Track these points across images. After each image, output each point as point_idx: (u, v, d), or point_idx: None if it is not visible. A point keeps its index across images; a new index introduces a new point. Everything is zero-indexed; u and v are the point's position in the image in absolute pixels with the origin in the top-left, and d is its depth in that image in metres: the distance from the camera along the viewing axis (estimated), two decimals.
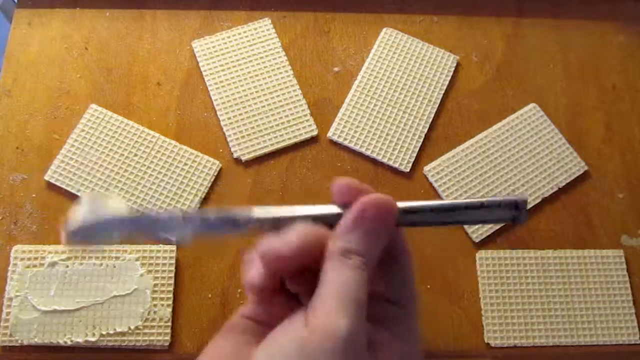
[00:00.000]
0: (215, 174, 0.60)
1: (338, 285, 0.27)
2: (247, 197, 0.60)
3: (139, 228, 0.34)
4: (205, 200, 0.59)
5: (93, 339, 0.53)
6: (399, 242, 0.31)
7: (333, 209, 0.31)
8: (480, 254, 0.58)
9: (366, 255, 0.28)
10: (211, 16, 0.67)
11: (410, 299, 0.30)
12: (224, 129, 0.61)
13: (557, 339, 0.56)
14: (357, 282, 0.27)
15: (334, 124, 0.63)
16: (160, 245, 0.56)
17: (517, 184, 0.61)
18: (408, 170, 0.61)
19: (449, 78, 0.65)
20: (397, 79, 0.65)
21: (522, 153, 0.62)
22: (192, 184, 0.59)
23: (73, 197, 0.58)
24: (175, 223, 0.33)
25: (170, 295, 0.55)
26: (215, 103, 0.62)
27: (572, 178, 0.62)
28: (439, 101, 0.64)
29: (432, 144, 0.63)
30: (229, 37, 0.65)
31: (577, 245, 0.60)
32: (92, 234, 0.33)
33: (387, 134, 0.62)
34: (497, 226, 0.59)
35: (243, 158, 0.61)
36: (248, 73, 0.64)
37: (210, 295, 0.56)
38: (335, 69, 0.66)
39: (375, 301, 0.29)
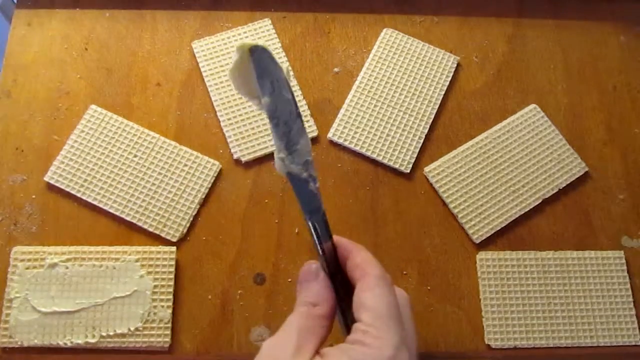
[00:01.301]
0: (215, 174, 0.59)
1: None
2: (247, 198, 0.60)
3: (279, 113, 0.35)
4: (205, 201, 0.59)
5: (93, 341, 0.53)
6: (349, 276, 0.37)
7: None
8: (481, 255, 0.58)
9: None
10: (211, 17, 0.67)
11: (361, 312, 0.34)
12: (224, 129, 0.61)
13: (557, 340, 0.56)
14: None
15: (334, 125, 0.63)
16: (160, 246, 0.56)
17: (518, 185, 0.61)
18: (408, 171, 0.61)
19: (449, 79, 0.65)
20: (398, 79, 0.65)
21: (522, 154, 0.62)
22: (192, 185, 0.59)
23: (73, 198, 0.58)
24: (296, 151, 0.36)
25: (170, 296, 0.55)
26: (215, 104, 0.62)
27: (573, 179, 0.62)
28: (439, 102, 0.64)
29: (432, 144, 0.63)
30: (228, 38, 0.65)
31: (577, 247, 0.60)
32: (264, 70, 0.36)
33: (388, 135, 0.62)
34: (498, 227, 0.59)
35: (243, 159, 0.61)
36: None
37: (210, 297, 0.56)
38: (336, 69, 0.66)
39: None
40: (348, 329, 0.35)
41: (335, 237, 0.38)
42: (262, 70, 0.36)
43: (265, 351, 0.34)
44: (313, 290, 0.36)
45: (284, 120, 0.36)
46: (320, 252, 0.37)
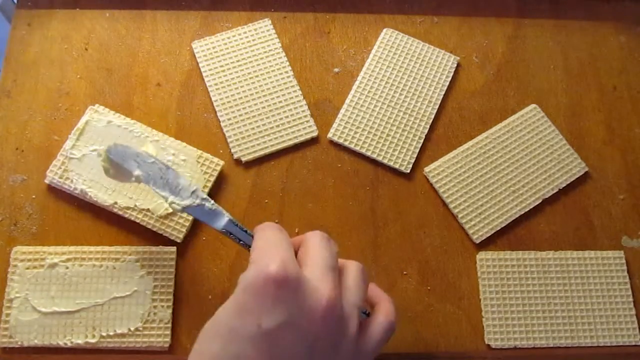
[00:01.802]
0: (216, 173, 0.59)
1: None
2: (247, 198, 0.60)
3: (152, 176, 0.46)
4: None
5: (93, 341, 0.53)
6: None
7: None
8: (481, 255, 0.58)
9: None
10: (211, 17, 0.67)
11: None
12: (224, 129, 0.61)
13: (557, 340, 0.56)
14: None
15: (334, 125, 0.63)
16: (160, 246, 0.56)
17: (518, 185, 0.61)
18: (408, 171, 0.61)
19: (449, 79, 0.65)
20: (398, 79, 0.65)
21: (522, 154, 0.62)
22: (194, 182, 0.58)
23: (73, 198, 0.58)
24: (181, 190, 0.46)
25: (171, 296, 0.55)
26: (215, 104, 0.62)
27: (573, 179, 0.62)
28: (439, 102, 0.64)
29: (432, 144, 0.63)
30: (228, 38, 0.65)
31: (577, 247, 0.60)
32: (123, 157, 0.47)
33: (388, 135, 0.62)
34: (498, 227, 0.59)
35: (243, 159, 0.61)
36: (248, 74, 0.64)
37: (210, 297, 0.56)
38: (336, 69, 0.66)
39: None
40: None
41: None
42: (122, 158, 0.47)
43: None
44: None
45: (157, 177, 0.46)
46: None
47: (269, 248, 0.38)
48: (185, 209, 0.46)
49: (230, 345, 0.35)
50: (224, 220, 0.45)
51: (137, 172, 0.46)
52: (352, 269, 0.41)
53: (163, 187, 0.46)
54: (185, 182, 0.46)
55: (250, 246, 0.42)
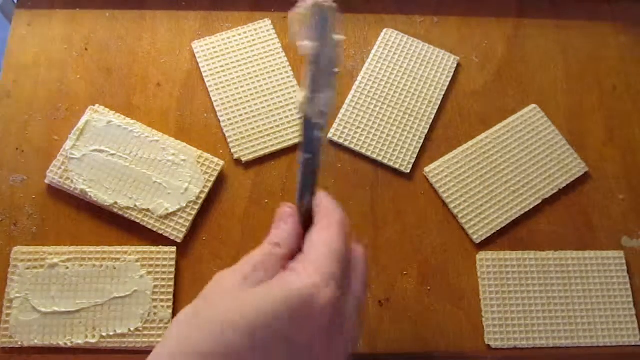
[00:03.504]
0: (216, 173, 0.59)
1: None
2: (247, 198, 0.60)
3: (321, 70, 0.38)
4: (205, 201, 0.59)
5: (93, 341, 0.53)
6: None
7: None
8: (481, 255, 0.58)
9: None
10: (211, 17, 0.67)
11: (306, 245, 0.36)
12: (224, 129, 0.61)
13: (557, 341, 0.56)
14: None
15: (334, 125, 0.63)
16: (160, 246, 0.56)
17: (518, 185, 0.61)
18: (408, 171, 0.61)
19: (449, 79, 0.65)
20: (398, 79, 0.65)
21: (522, 154, 0.62)
22: (194, 182, 0.58)
23: (73, 198, 0.58)
24: (322, 102, 0.38)
25: (171, 296, 0.55)
26: (215, 104, 0.62)
27: (573, 179, 0.62)
28: (439, 102, 0.64)
29: (432, 145, 0.63)
30: (228, 38, 0.65)
31: (577, 247, 0.60)
32: (323, 25, 0.38)
33: (388, 135, 0.62)
34: (498, 227, 0.59)
35: (243, 159, 0.61)
36: (248, 74, 0.64)
37: None
38: (336, 69, 0.66)
39: None
40: None
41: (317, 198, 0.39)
42: (322, 19, 0.39)
43: (216, 278, 0.35)
44: (279, 231, 0.38)
45: (322, 64, 0.38)
46: (299, 201, 0.39)
47: (328, 262, 0.34)
48: (304, 115, 0.39)
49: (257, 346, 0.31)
50: (315, 155, 0.39)
51: (315, 45, 0.38)
52: (360, 269, 0.38)
53: (313, 78, 0.38)
54: (328, 97, 0.39)
55: (302, 193, 0.39)
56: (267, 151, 0.61)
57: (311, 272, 0.33)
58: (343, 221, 0.37)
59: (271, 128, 0.62)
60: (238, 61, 0.64)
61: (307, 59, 0.39)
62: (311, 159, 0.39)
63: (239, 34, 0.66)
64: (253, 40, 0.65)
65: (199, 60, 0.64)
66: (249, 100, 0.62)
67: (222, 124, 0.61)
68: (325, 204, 0.38)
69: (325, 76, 0.39)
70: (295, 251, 0.37)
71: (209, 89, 0.63)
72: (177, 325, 0.33)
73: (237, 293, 0.33)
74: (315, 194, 0.39)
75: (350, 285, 0.36)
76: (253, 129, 0.61)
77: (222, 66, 0.64)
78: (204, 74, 0.64)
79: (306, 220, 0.39)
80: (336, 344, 0.34)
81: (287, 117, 0.62)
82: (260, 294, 0.33)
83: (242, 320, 0.31)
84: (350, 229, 0.37)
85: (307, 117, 0.39)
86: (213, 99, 0.63)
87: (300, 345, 0.32)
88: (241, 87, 0.63)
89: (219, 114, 0.62)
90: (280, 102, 0.63)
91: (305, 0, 0.38)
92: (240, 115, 0.62)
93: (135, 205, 0.57)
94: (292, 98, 0.63)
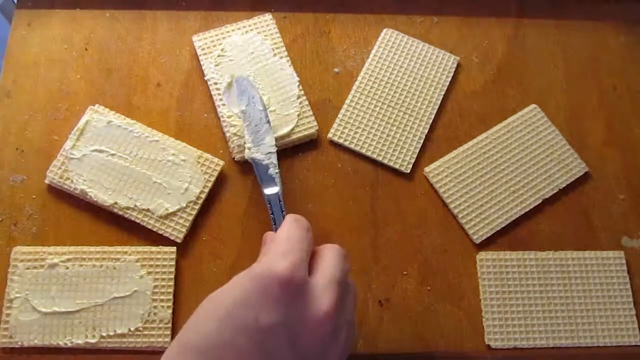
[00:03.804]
0: (216, 173, 0.59)
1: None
2: (247, 198, 0.60)
3: (252, 120, 0.55)
4: (205, 201, 0.59)
5: (93, 341, 0.53)
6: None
7: None
8: (481, 255, 0.58)
9: None
10: (211, 17, 0.67)
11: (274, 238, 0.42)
12: (224, 129, 0.61)
13: (557, 341, 0.56)
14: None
15: (334, 125, 0.63)
16: (161, 246, 0.56)
17: (518, 185, 0.61)
18: (408, 171, 0.61)
19: (449, 79, 0.65)
20: (398, 79, 0.65)
21: (522, 154, 0.62)
22: (195, 182, 0.58)
23: (73, 198, 0.58)
24: (261, 146, 0.54)
25: (171, 296, 0.55)
26: (215, 104, 0.62)
27: (573, 179, 0.62)
28: (439, 102, 0.64)
29: (432, 145, 0.63)
30: (228, 32, 0.65)
31: (577, 247, 0.60)
32: (243, 90, 0.56)
33: (388, 135, 0.62)
34: (498, 227, 0.59)
35: (243, 159, 0.60)
36: (248, 75, 0.63)
37: None
38: (336, 69, 0.66)
39: None
40: None
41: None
42: (242, 90, 0.56)
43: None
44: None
45: (254, 123, 0.53)
46: (274, 230, 0.48)
47: (287, 245, 0.40)
48: (253, 160, 0.52)
49: (225, 331, 0.36)
50: (274, 190, 0.50)
51: (243, 108, 0.55)
52: (353, 289, 0.43)
53: (251, 133, 0.53)
54: (270, 140, 0.53)
55: (276, 222, 0.48)
56: None
57: (268, 256, 0.39)
58: (296, 217, 0.43)
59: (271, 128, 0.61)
60: (238, 55, 0.64)
61: (241, 119, 0.54)
62: (274, 194, 0.50)
63: (239, 28, 0.65)
64: (254, 34, 0.65)
65: (199, 54, 0.64)
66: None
67: (222, 124, 0.61)
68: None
69: (261, 127, 0.52)
70: None
71: (209, 86, 0.63)
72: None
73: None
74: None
75: (318, 267, 0.41)
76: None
77: (222, 61, 0.63)
78: (204, 69, 0.63)
79: None
80: (309, 313, 0.38)
81: (287, 116, 0.62)
82: (233, 282, 0.39)
83: (219, 309, 0.37)
84: (309, 224, 0.43)
85: (257, 160, 0.52)
86: (213, 98, 0.62)
87: (275, 319, 0.36)
88: None
89: (219, 114, 0.62)
90: (281, 102, 0.62)
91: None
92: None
93: (135, 205, 0.57)
94: (292, 97, 0.63)
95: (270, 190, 0.50)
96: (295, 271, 0.38)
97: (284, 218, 0.44)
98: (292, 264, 0.38)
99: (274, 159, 0.52)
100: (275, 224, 0.49)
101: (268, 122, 0.54)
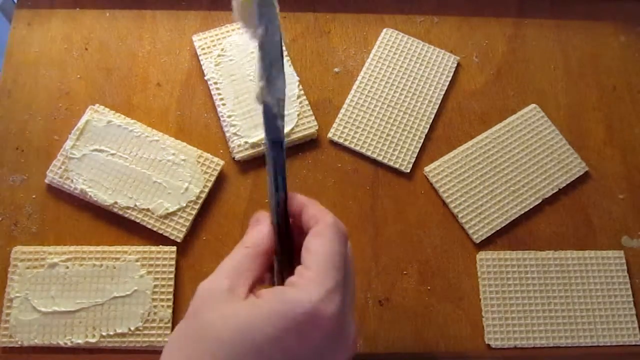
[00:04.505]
0: (216, 173, 0.59)
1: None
2: (247, 198, 0.60)
3: (268, 50, 0.39)
4: (205, 201, 0.59)
5: (93, 340, 0.53)
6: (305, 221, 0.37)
7: None
8: (481, 255, 0.58)
9: None
10: (211, 17, 0.67)
11: (304, 255, 0.34)
12: (224, 129, 0.61)
13: (557, 340, 0.56)
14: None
15: (334, 125, 0.63)
16: (160, 246, 0.56)
17: (518, 185, 0.61)
18: (408, 171, 0.61)
19: (449, 79, 0.65)
20: (398, 79, 0.65)
21: (522, 154, 0.62)
22: (195, 182, 0.58)
23: (73, 198, 0.58)
24: (275, 88, 0.39)
25: (171, 296, 0.55)
26: (215, 104, 0.62)
27: (573, 179, 0.62)
28: (439, 102, 0.64)
29: (432, 144, 0.63)
30: (228, 32, 0.65)
31: (577, 246, 0.60)
32: (264, 11, 0.38)
33: (388, 135, 0.62)
34: (498, 227, 0.59)
35: (243, 159, 0.60)
36: (248, 74, 0.63)
37: None
38: (336, 69, 0.66)
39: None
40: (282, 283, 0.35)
41: (291, 193, 0.38)
42: (261, 15, 0.39)
43: (200, 292, 0.35)
44: (251, 234, 0.37)
45: (269, 56, 0.39)
46: (272, 199, 0.37)
47: (333, 275, 0.33)
48: (264, 104, 0.39)
49: None
50: (280, 143, 0.38)
51: (260, 31, 0.39)
52: (352, 266, 0.37)
53: (265, 68, 0.39)
54: (282, 85, 0.39)
55: (276, 189, 0.37)
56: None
57: (313, 288, 0.32)
58: (336, 223, 0.36)
59: None
60: (238, 55, 0.64)
61: (256, 47, 0.39)
62: (278, 150, 0.38)
63: (239, 27, 0.65)
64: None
65: (199, 54, 0.64)
66: (248, 98, 0.62)
67: (222, 124, 0.61)
68: (312, 209, 0.37)
69: (276, 63, 0.39)
70: (271, 252, 0.37)
71: (209, 86, 0.63)
72: (170, 348, 0.33)
73: (232, 309, 0.32)
74: (286, 192, 0.37)
75: (349, 285, 0.35)
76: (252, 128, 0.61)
77: (222, 61, 0.63)
78: (204, 69, 0.63)
79: (284, 221, 0.38)
80: (342, 347, 0.34)
81: (287, 116, 0.62)
82: (260, 314, 0.32)
83: (247, 343, 0.31)
84: (345, 229, 0.36)
85: (267, 106, 0.39)
86: (213, 98, 0.62)
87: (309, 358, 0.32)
88: (243, 83, 0.63)
89: (219, 114, 0.62)
90: None
91: None
92: (240, 114, 0.62)
93: (135, 205, 0.57)
94: (292, 97, 0.63)
95: (276, 143, 0.38)
96: (342, 316, 0.32)
97: (283, 190, 0.37)
98: (338, 307, 0.32)
99: (282, 109, 0.39)
100: (276, 191, 0.38)
101: (282, 59, 0.40)
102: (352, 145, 0.62)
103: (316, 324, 0.31)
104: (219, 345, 0.31)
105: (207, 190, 0.59)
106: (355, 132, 0.62)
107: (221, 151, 0.61)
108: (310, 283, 0.32)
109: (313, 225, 0.36)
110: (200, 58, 0.64)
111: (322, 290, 0.32)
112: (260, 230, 0.37)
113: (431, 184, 0.61)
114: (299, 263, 0.35)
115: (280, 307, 0.31)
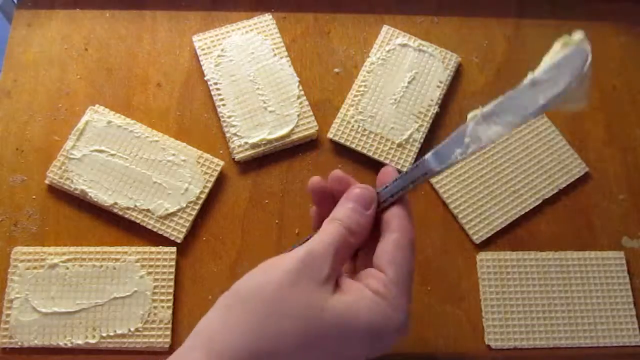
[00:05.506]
0: (216, 173, 0.59)
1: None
2: (247, 199, 0.60)
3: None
4: (205, 202, 0.59)
5: (93, 341, 0.53)
6: (384, 221, 0.37)
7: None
8: (481, 255, 0.58)
9: None
10: (211, 17, 0.67)
11: (389, 267, 0.35)
12: (224, 130, 0.61)
13: (557, 341, 0.56)
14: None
15: (334, 125, 0.62)
16: (160, 246, 0.56)
17: (518, 185, 0.61)
18: None
19: (449, 79, 0.65)
20: (398, 79, 0.65)
21: (523, 154, 0.62)
22: (194, 183, 0.58)
23: (73, 199, 0.58)
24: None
25: (171, 297, 0.55)
26: (215, 104, 0.62)
27: (573, 179, 0.62)
28: (439, 102, 0.64)
29: (432, 144, 0.63)
30: (228, 33, 0.65)
31: (577, 247, 0.60)
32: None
33: (388, 135, 0.62)
34: (498, 228, 0.59)
35: (243, 160, 0.60)
36: (248, 75, 0.63)
37: (210, 297, 0.56)
38: (336, 69, 0.66)
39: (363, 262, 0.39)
40: None
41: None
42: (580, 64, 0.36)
43: (304, 262, 0.34)
44: (360, 220, 0.37)
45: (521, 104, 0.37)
46: (387, 194, 0.38)
47: (406, 285, 0.35)
48: (476, 131, 0.40)
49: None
50: (434, 168, 0.39)
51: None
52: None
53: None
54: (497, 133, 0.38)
55: (394, 192, 0.38)
56: (267, 151, 0.61)
57: (401, 309, 0.34)
58: (414, 240, 0.37)
59: (272, 127, 0.61)
60: (239, 56, 0.64)
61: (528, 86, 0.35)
62: (427, 173, 0.39)
63: (239, 28, 0.65)
64: (254, 34, 0.65)
65: (199, 54, 0.64)
66: (248, 99, 0.62)
67: (222, 124, 0.61)
68: (403, 216, 0.37)
69: (516, 116, 0.36)
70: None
71: (209, 86, 0.63)
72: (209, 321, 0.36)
73: (330, 303, 0.33)
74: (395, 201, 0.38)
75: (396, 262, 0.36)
76: (252, 129, 0.61)
77: (222, 61, 0.63)
78: (204, 69, 0.63)
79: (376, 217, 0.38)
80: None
81: (287, 115, 0.62)
82: (343, 315, 0.33)
83: (320, 340, 0.32)
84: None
85: (470, 135, 0.39)
86: (213, 95, 0.62)
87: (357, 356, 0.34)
88: (243, 84, 0.62)
89: (219, 114, 0.62)
90: (281, 102, 0.62)
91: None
92: (241, 115, 0.62)
93: (135, 206, 0.57)
94: (292, 97, 0.63)
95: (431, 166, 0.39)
96: (407, 324, 0.35)
97: (396, 198, 0.37)
98: (406, 317, 0.35)
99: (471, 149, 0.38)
100: (395, 193, 0.38)
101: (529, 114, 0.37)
102: (352, 145, 0.62)
103: (384, 333, 0.34)
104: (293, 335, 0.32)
105: (207, 190, 0.59)
106: (356, 132, 0.62)
107: (221, 152, 0.61)
108: (396, 300, 0.34)
109: (397, 229, 0.36)
110: (200, 58, 0.64)
111: (406, 308, 0.35)
112: (368, 221, 0.37)
113: (431, 184, 0.61)
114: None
115: (380, 320, 0.34)
